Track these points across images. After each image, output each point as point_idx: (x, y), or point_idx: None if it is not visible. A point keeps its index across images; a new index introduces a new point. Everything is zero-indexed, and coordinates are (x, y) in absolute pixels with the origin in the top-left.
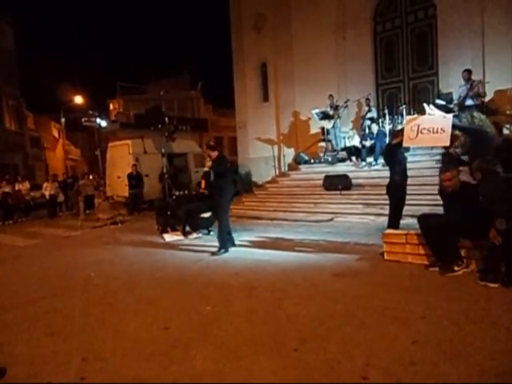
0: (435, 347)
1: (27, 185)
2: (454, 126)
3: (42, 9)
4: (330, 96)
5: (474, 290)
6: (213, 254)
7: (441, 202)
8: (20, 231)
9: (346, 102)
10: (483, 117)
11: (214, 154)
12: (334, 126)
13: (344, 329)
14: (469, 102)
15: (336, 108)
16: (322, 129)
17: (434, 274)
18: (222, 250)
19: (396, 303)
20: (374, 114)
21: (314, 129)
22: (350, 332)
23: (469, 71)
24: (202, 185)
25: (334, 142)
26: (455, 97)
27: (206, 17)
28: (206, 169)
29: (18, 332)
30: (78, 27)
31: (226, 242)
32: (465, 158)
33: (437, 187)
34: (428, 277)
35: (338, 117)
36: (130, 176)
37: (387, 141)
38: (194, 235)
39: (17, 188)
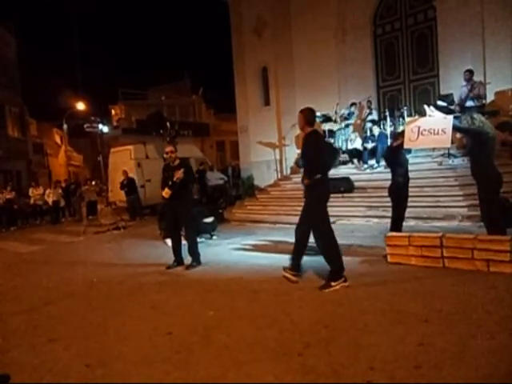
0: (440, 350)
1: (41, 190)
2: (454, 128)
3: (44, 17)
4: (354, 104)
5: (478, 293)
6: (187, 267)
7: (442, 204)
8: (23, 237)
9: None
10: (483, 118)
11: (177, 160)
12: (341, 129)
13: (348, 332)
14: (469, 104)
15: (348, 115)
16: (324, 132)
17: (437, 276)
18: (195, 263)
19: (400, 306)
20: (374, 116)
21: None
22: (354, 335)
23: (470, 71)
24: (165, 193)
25: (337, 144)
26: (456, 97)
27: (206, 22)
28: (175, 179)
29: (20, 338)
30: (80, 34)
31: (198, 255)
32: (464, 161)
33: (438, 189)
34: (431, 279)
35: (347, 125)
36: (122, 184)
37: (389, 143)
38: (197, 240)
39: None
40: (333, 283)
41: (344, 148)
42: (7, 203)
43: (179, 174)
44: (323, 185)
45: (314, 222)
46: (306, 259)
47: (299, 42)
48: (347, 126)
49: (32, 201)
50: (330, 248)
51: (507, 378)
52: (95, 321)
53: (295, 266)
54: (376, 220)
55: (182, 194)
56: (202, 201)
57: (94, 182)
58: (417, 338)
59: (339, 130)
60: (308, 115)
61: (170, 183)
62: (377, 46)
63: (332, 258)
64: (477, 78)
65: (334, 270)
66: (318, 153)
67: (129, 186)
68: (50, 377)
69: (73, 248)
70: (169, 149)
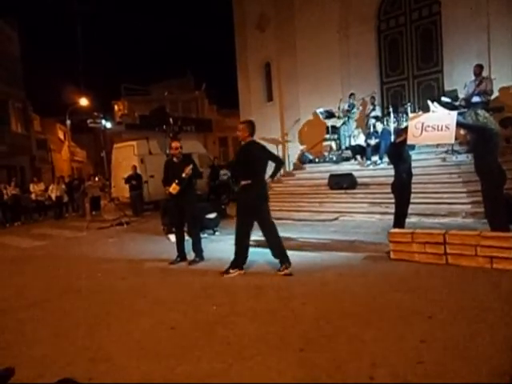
0: (443, 346)
1: (42, 186)
2: (457, 124)
3: (47, 12)
4: (352, 95)
5: (481, 290)
6: (190, 263)
7: (446, 201)
8: (27, 232)
9: (359, 105)
10: (487, 114)
11: (181, 156)
12: (344, 123)
13: (350, 328)
14: (475, 99)
15: (353, 107)
16: (327, 128)
17: (440, 273)
18: (198, 259)
19: (402, 302)
20: (378, 112)
21: (319, 128)
22: (357, 331)
23: (480, 66)
24: (173, 189)
25: (341, 140)
26: (462, 92)
27: (209, 17)
28: (184, 175)
29: (25, 333)
30: (83, 30)
31: (201, 251)
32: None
33: (442, 185)
34: (434, 275)
35: (349, 118)
36: (130, 177)
37: (392, 139)
38: (200, 235)
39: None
40: (231, 270)
41: (347, 144)
42: (12, 199)
43: (188, 170)
44: (253, 190)
45: (239, 220)
46: (309, 255)
47: (302, 37)
48: (349, 118)
49: (33, 196)
50: (240, 245)
51: (511, 375)
52: (99, 315)
53: (288, 261)
54: (379, 216)
55: (187, 190)
56: (210, 197)
57: (97, 178)
58: (419, 334)
59: (342, 125)
60: (251, 127)
61: (177, 180)
62: (381, 41)
63: (239, 252)
64: (482, 73)
65: (236, 260)
66: (251, 161)
67: (136, 180)
68: (54, 371)
69: (76, 243)
70: (177, 145)
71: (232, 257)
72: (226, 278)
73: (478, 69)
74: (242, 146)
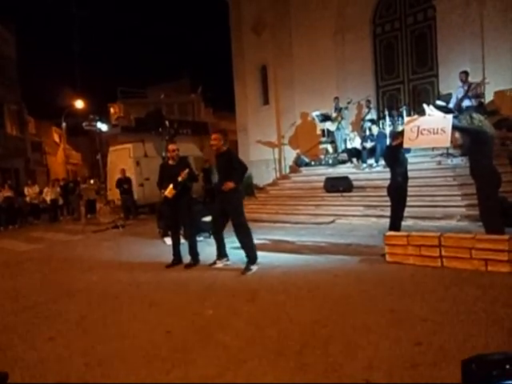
0: (438, 349)
1: (37, 189)
2: (453, 127)
3: (43, 15)
4: (336, 98)
5: (476, 292)
6: (186, 266)
7: (441, 203)
8: (22, 236)
9: (348, 103)
10: (482, 117)
11: (177, 158)
12: (338, 128)
13: (346, 331)
14: (467, 103)
15: (340, 110)
16: (323, 131)
17: (435, 275)
18: (194, 262)
19: (398, 305)
20: (373, 115)
21: (315, 131)
22: (352, 334)
23: (466, 73)
24: (169, 193)
25: (337, 143)
26: (453, 98)
27: (206, 20)
28: (180, 179)
29: (19, 336)
30: (79, 32)
31: (197, 254)
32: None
33: (437, 188)
34: (429, 278)
35: (342, 118)
36: (120, 181)
37: (388, 142)
38: (196, 239)
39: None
40: (252, 267)
41: (343, 147)
42: (6, 202)
43: (184, 174)
44: (240, 190)
45: (240, 219)
46: (305, 258)
47: (298, 41)
48: (342, 119)
49: (28, 199)
50: (249, 240)
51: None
52: (94, 319)
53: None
54: (375, 219)
55: (183, 193)
56: (205, 200)
57: (92, 181)
58: (415, 337)
59: (337, 129)
60: (225, 137)
61: (174, 184)
62: (376, 45)
63: (251, 247)
64: (476, 77)
65: (252, 257)
66: (235, 166)
67: (127, 184)
68: (49, 375)
69: (71, 246)
70: (174, 147)
71: (236, 257)
72: (223, 280)
73: (464, 75)
74: (225, 153)
